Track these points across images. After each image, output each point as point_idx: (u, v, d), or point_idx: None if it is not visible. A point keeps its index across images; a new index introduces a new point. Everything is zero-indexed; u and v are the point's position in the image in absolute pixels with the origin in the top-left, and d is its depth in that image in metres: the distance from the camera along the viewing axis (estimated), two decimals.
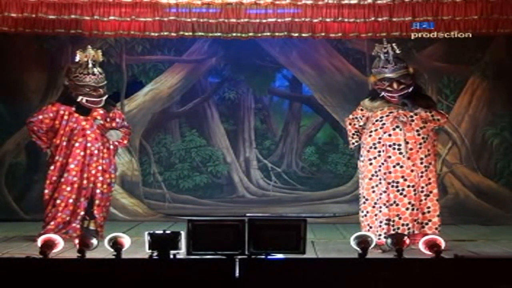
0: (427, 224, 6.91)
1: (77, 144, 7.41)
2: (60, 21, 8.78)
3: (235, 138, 10.34)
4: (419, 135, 6.92)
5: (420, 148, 6.90)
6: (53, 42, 9.76)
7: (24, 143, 9.61)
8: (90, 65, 7.42)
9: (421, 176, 6.89)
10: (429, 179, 6.93)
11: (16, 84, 9.76)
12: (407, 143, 6.89)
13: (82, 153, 7.40)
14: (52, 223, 7.31)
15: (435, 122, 7.01)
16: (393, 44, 7.05)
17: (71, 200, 7.37)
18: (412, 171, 6.87)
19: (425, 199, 6.93)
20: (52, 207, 7.35)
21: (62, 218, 7.33)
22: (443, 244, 5.73)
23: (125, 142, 7.81)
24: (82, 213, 7.40)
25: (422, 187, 6.91)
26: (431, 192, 6.94)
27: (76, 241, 5.57)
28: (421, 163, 6.89)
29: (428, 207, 6.93)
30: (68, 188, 7.36)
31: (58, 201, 7.35)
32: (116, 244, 5.47)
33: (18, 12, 8.54)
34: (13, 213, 9.57)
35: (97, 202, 7.45)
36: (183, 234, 5.30)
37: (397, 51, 7.02)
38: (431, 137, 7.03)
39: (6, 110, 9.84)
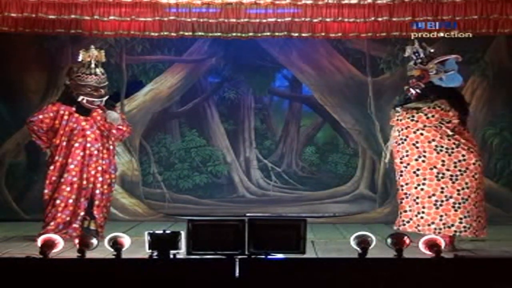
0: (408, 222, 6.87)
1: (76, 144, 7.40)
2: (60, 21, 8.79)
3: (235, 138, 10.33)
4: (398, 135, 6.92)
5: (397, 149, 6.91)
6: (53, 42, 9.75)
7: (24, 143, 9.60)
8: (92, 65, 7.42)
9: (400, 175, 6.92)
10: (406, 179, 6.85)
11: (16, 84, 9.75)
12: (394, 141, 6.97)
13: (81, 153, 7.39)
14: (52, 223, 7.30)
15: (408, 122, 6.85)
16: (422, 43, 7.08)
17: (71, 200, 7.36)
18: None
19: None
20: (52, 207, 7.35)
21: (62, 218, 7.33)
22: (443, 244, 5.72)
23: (125, 129, 7.65)
24: (82, 213, 7.39)
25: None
26: (406, 193, 6.89)
27: (76, 241, 5.56)
28: (401, 162, 6.89)
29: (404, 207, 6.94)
30: (68, 188, 7.36)
31: (58, 201, 7.34)
32: (116, 244, 5.46)
33: (18, 12, 8.56)
34: (13, 213, 9.56)
35: (97, 202, 7.44)
36: (183, 234, 5.30)
37: (430, 50, 7.03)
38: (412, 139, 6.81)
39: (6, 110, 9.83)
